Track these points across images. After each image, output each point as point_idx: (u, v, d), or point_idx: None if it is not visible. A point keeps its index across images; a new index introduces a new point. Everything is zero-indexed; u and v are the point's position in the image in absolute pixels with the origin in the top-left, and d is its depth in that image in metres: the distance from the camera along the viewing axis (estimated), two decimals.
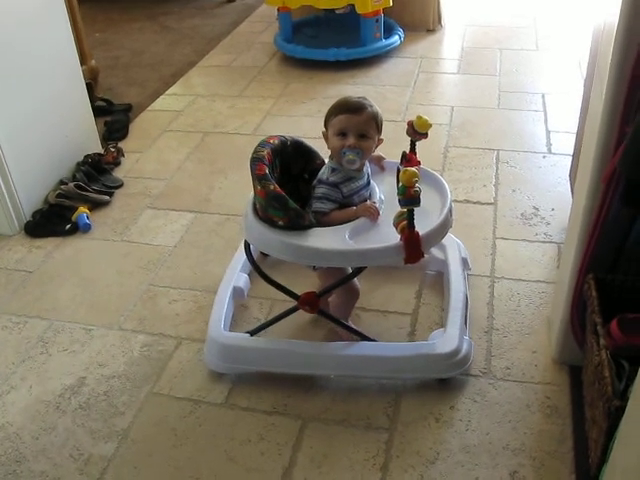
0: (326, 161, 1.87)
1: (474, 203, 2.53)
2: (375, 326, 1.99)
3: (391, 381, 1.82)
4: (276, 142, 1.81)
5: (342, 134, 1.76)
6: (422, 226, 1.63)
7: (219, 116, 3.32)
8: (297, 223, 1.69)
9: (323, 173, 1.81)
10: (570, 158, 2.68)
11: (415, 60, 3.82)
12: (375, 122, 1.79)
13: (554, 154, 2.82)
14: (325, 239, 1.68)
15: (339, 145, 1.76)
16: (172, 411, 1.78)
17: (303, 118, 3.23)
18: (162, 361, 1.94)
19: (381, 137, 1.84)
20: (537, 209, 2.48)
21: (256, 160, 1.71)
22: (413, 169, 1.55)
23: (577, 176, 1.80)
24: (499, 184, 2.63)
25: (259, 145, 1.78)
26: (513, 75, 3.57)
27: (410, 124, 1.88)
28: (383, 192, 1.87)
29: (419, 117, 1.85)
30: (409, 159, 1.95)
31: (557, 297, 1.90)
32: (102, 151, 2.95)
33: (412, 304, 2.08)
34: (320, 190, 1.78)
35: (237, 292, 2.04)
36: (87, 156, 2.86)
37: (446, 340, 1.80)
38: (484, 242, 2.32)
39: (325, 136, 1.83)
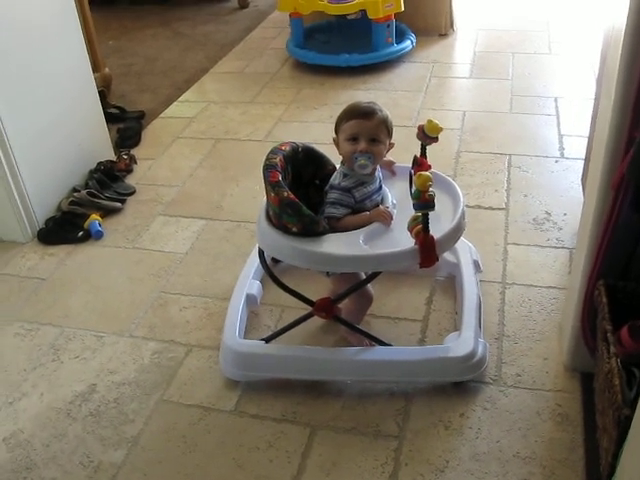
0: (337, 167, 1.87)
1: (485, 208, 2.51)
2: (386, 333, 1.97)
3: (401, 388, 1.81)
4: (287, 149, 1.82)
5: (353, 139, 1.77)
6: (436, 230, 1.64)
7: (231, 123, 3.33)
8: (311, 229, 1.69)
9: (335, 178, 1.81)
10: (583, 162, 2.67)
11: (427, 65, 3.81)
12: (386, 126, 1.79)
13: (567, 158, 2.80)
14: (339, 245, 1.68)
15: (350, 150, 1.76)
16: (182, 418, 1.79)
17: (314, 124, 3.23)
18: (172, 368, 1.94)
19: (392, 141, 1.84)
20: (549, 214, 2.46)
21: (269, 167, 1.72)
22: (427, 173, 1.55)
23: (587, 181, 1.79)
24: (511, 189, 2.62)
25: (271, 152, 1.78)
26: (525, 79, 3.55)
27: (421, 128, 1.88)
28: (395, 196, 1.87)
29: (429, 121, 1.85)
30: (420, 163, 1.95)
31: (568, 303, 1.88)
32: (115, 158, 2.96)
33: (422, 310, 2.07)
34: (332, 195, 1.78)
35: (250, 299, 2.04)
36: (100, 163, 2.88)
37: (461, 343, 1.79)
38: (495, 248, 2.30)
39: (336, 142, 1.84)
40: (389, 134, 1.81)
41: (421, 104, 3.35)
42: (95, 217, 2.57)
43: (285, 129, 3.23)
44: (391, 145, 1.84)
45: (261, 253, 1.84)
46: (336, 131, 1.84)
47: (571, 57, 3.78)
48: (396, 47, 3.77)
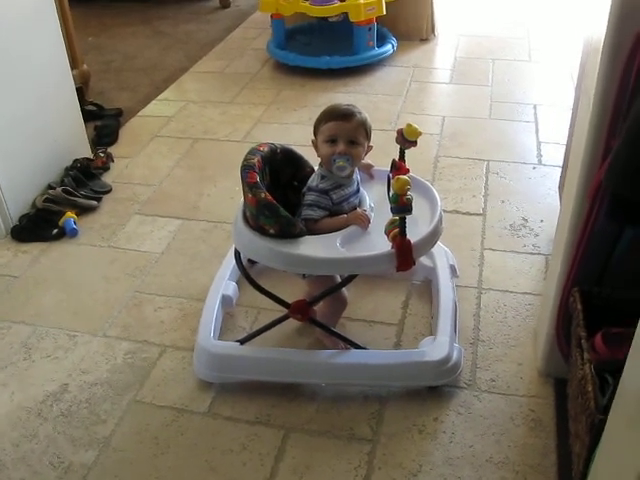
0: (315, 169, 1.86)
1: (463, 214, 2.52)
2: (361, 336, 1.97)
3: (375, 391, 1.81)
4: (266, 150, 1.81)
5: (332, 141, 1.76)
6: (413, 234, 1.64)
7: (210, 122, 3.31)
8: (288, 231, 1.68)
9: (313, 180, 1.80)
10: (560, 170, 2.69)
11: (408, 69, 3.82)
12: (364, 129, 1.79)
13: (544, 165, 2.82)
14: (316, 247, 1.67)
15: (329, 152, 1.76)
16: (154, 420, 1.77)
17: (294, 126, 3.22)
18: (145, 369, 1.92)
19: (370, 144, 1.84)
20: (526, 220, 2.47)
21: (247, 168, 1.71)
22: (405, 177, 1.55)
23: (564, 189, 1.80)
24: (488, 195, 2.63)
25: (249, 153, 1.77)
26: (505, 85, 3.57)
27: (400, 132, 1.89)
28: (372, 200, 1.87)
29: (409, 125, 1.86)
30: (398, 167, 1.95)
31: (543, 309, 1.89)
32: (91, 156, 2.93)
33: (398, 314, 2.07)
34: (310, 197, 1.77)
35: (226, 300, 2.03)
36: (76, 161, 2.84)
37: (436, 347, 1.79)
38: (472, 253, 2.31)
39: (314, 144, 1.83)
40: (368, 136, 1.81)
41: (401, 108, 3.36)
42: (70, 215, 2.54)
43: (264, 130, 3.21)
44: (369, 148, 1.84)
45: (237, 254, 1.82)
46: (315, 133, 1.83)
47: (550, 65, 3.81)
48: (377, 51, 3.77)
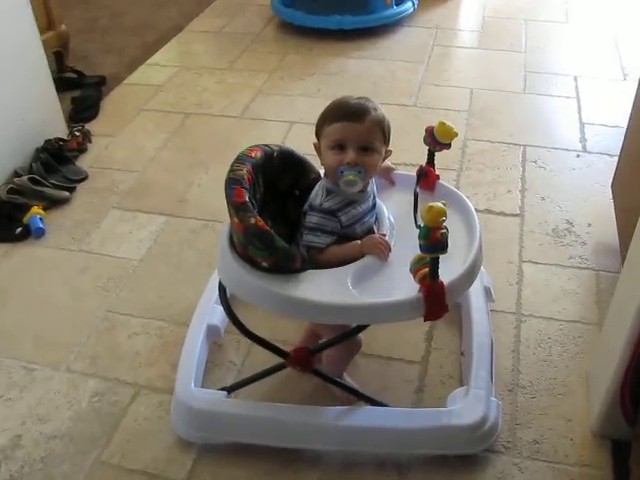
0: (321, 176, 1.49)
1: (497, 214, 2.14)
2: (376, 378, 1.64)
3: (393, 457, 1.47)
4: (258, 155, 1.43)
5: (339, 147, 1.39)
6: (445, 270, 1.27)
7: (204, 93, 2.91)
8: (285, 266, 1.32)
9: (316, 196, 1.43)
10: (609, 159, 2.31)
11: (429, 31, 3.38)
12: (381, 130, 1.41)
13: (589, 153, 2.42)
14: (322, 288, 1.31)
15: (335, 161, 1.38)
16: None
17: (299, 98, 2.82)
18: (115, 417, 1.58)
19: (389, 148, 1.46)
20: (571, 224, 2.10)
21: (232, 182, 1.34)
22: (440, 205, 1.18)
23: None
24: (526, 190, 2.25)
25: (237, 160, 1.39)
26: (540, 52, 3.14)
27: (430, 131, 1.52)
28: (392, 213, 1.51)
29: (442, 124, 1.49)
30: (427, 174, 1.58)
31: (602, 356, 1.53)
32: (67, 135, 2.55)
33: (421, 349, 1.72)
34: (313, 219, 1.40)
35: (212, 331, 1.69)
36: (47, 142, 2.46)
37: (470, 406, 1.45)
38: (509, 267, 1.95)
39: (317, 148, 1.45)
40: (386, 140, 1.43)
41: (422, 78, 2.93)
42: (37, 210, 2.18)
43: (265, 103, 2.82)
44: (388, 153, 1.46)
45: (222, 289, 1.46)
46: (317, 135, 1.45)
47: (590, 28, 3.38)
48: (395, 9, 3.34)
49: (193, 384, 1.52)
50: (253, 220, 1.29)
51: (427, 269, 1.25)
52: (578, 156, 2.41)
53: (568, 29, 3.38)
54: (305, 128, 2.53)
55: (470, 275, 1.35)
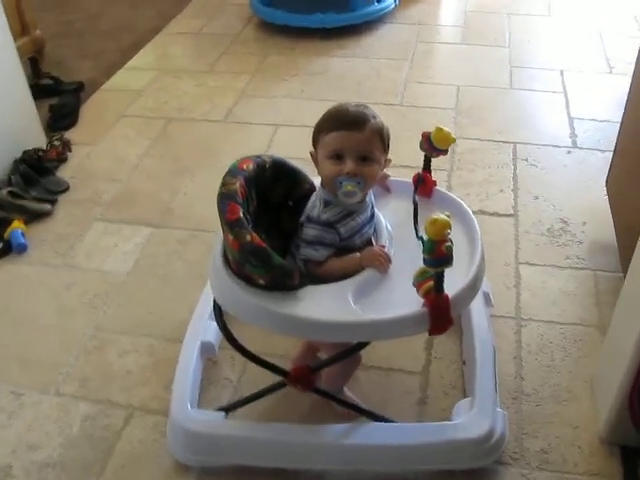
0: (316, 186, 1.44)
1: (490, 214, 2.11)
2: (377, 390, 1.59)
3: (398, 474, 1.43)
4: (251, 167, 1.37)
5: (337, 157, 1.33)
6: (446, 281, 1.22)
7: (185, 97, 2.84)
8: (283, 283, 1.27)
9: (314, 207, 1.38)
10: (600, 154, 2.29)
11: (412, 27, 3.34)
12: (380, 138, 1.36)
13: (580, 148, 2.39)
14: (322, 305, 1.26)
15: (333, 172, 1.33)
16: None
17: (283, 100, 2.76)
18: (108, 442, 1.52)
19: (388, 157, 1.41)
20: (566, 223, 2.07)
21: (226, 198, 1.28)
22: (444, 217, 1.13)
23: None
24: (519, 189, 2.21)
25: (229, 174, 1.33)
26: (525, 46, 3.11)
27: (426, 137, 1.47)
28: (390, 221, 1.46)
29: (439, 130, 1.45)
30: (423, 180, 1.54)
31: (608, 361, 1.50)
32: (45, 145, 2.47)
33: (421, 359, 1.68)
34: (311, 232, 1.35)
35: (206, 348, 1.63)
36: (26, 152, 2.39)
37: (476, 418, 1.41)
38: (505, 269, 1.91)
39: (314, 158, 1.40)
40: (385, 149, 1.38)
41: (407, 76, 2.89)
42: (18, 224, 2.10)
43: (249, 106, 2.75)
44: (387, 162, 1.41)
45: (217, 308, 1.40)
46: (314, 143, 1.40)
47: (573, 21, 3.35)
48: (377, 6, 3.29)
49: (189, 405, 1.46)
50: (249, 237, 1.23)
51: (431, 282, 1.21)
52: (569, 152, 2.38)
53: (551, 22, 3.35)
54: (291, 131, 2.48)
55: (474, 286, 1.31)
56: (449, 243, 1.15)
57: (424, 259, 1.17)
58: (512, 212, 2.11)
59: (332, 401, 1.47)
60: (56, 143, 2.47)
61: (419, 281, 1.23)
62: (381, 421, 1.45)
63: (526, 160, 2.34)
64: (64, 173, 2.41)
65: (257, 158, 1.41)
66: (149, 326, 1.80)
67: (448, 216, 1.15)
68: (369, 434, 1.41)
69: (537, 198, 2.17)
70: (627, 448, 1.46)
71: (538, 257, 1.95)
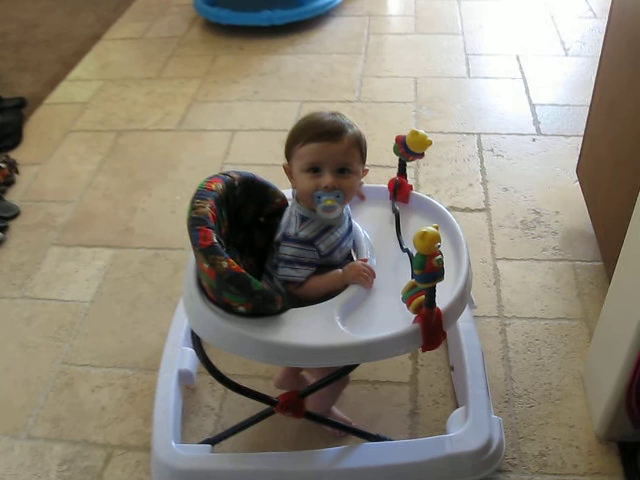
0: (289, 202, 1.37)
1: (462, 210, 2.06)
2: (366, 405, 1.54)
3: None
4: (220, 187, 1.29)
5: (314, 170, 1.26)
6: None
7: (134, 107, 2.73)
8: (265, 309, 1.19)
9: (289, 225, 1.30)
10: (565, 140, 2.27)
11: (362, 19, 3.27)
12: (359, 148, 1.29)
13: (545, 135, 2.37)
14: (310, 329, 1.19)
15: (311, 186, 1.26)
16: None
17: (237, 103, 2.67)
18: None
19: (366, 167, 1.34)
20: (539, 213, 2.03)
21: (197, 223, 1.19)
22: (433, 230, 1.07)
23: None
24: (487, 182, 2.17)
25: (198, 196, 1.25)
26: (478, 32, 3.08)
27: (401, 141, 1.42)
28: (367, 231, 1.40)
29: (414, 133, 1.40)
30: (401, 186, 1.48)
31: (600, 356, 1.47)
32: None
33: (408, 368, 1.62)
34: (289, 251, 1.28)
35: (184, 377, 1.55)
36: None
37: (473, 429, 1.36)
38: (483, 266, 1.87)
39: (287, 171, 1.33)
40: (363, 159, 1.31)
41: (362, 70, 2.82)
42: None
43: (202, 112, 2.65)
44: (365, 172, 1.35)
45: (196, 338, 1.32)
46: (287, 156, 1.32)
47: (524, 3, 3.33)
48: None
49: (173, 441, 1.38)
50: (225, 264, 1.15)
51: (422, 297, 1.15)
52: (534, 140, 2.35)
53: (502, 7, 3.32)
54: (248, 136, 2.39)
55: (464, 297, 1.25)
56: (440, 256, 1.09)
57: (415, 275, 1.10)
58: (484, 206, 2.07)
59: (323, 424, 1.40)
60: (1, 165, 2.33)
61: (408, 296, 1.17)
62: (374, 439, 1.39)
63: (492, 151, 2.31)
64: (13, 197, 2.28)
65: (225, 176, 1.33)
66: (120, 356, 1.71)
67: (437, 227, 1.09)
68: (363, 456, 1.35)
69: (507, 190, 2.13)
70: (624, 444, 1.44)
71: (515, 252, 1.91)
